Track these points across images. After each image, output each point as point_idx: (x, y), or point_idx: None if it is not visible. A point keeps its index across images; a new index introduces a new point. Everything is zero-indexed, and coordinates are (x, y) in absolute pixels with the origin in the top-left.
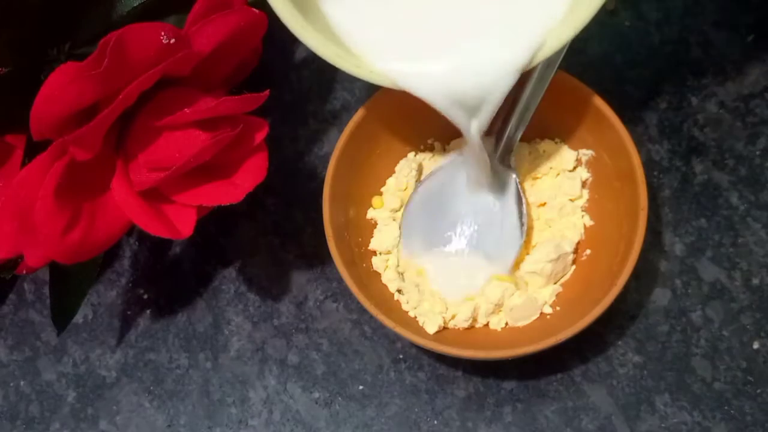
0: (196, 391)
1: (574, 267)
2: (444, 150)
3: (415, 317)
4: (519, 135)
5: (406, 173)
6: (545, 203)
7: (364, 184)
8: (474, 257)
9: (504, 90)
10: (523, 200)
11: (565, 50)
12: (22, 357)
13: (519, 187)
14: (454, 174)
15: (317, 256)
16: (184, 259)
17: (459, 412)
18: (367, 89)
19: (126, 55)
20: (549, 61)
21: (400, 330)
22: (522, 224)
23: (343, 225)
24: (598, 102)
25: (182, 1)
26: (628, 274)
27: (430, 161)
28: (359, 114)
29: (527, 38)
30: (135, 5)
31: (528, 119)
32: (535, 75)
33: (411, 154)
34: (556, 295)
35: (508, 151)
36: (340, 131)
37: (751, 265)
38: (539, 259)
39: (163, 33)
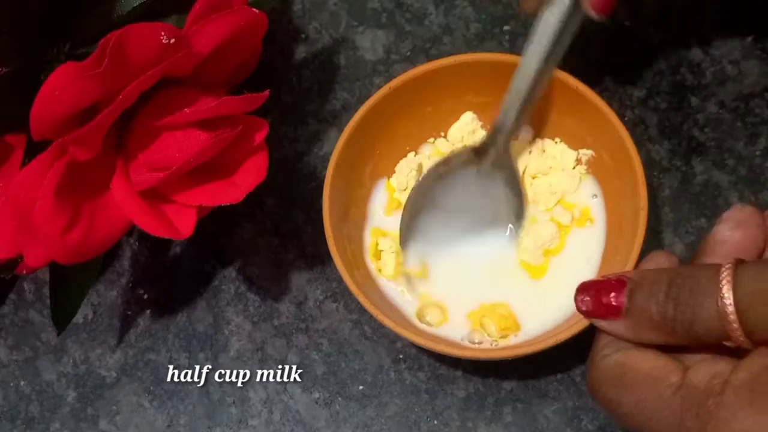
0: (196, 391)
1: None
2: (444, 149)
3: (415, 316)
4: (520, 127)
5: (406, 173)
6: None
7: (365, 184)
8: (474, 253)
9: None
10: (523, 194)
11: (569, 40)
12: (22, 357)
13: (520, 181)
14: (453, 170)
15: (317, 256)
16: (184, 259)
17: (459, 412)
18: (367, 89)
19: (126, 55)
20: (552, 53)
21: (399, 330)
22: (522, 219)
23: (343, 225)
24: (598, 102)
25: (182, 1)
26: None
27: (430, 161)
28: (359, 114)
29: None
30: (135, 5)
31: (529, 111)
32: (537, 65)
33: (411, 154)
34: None
35: (508, 144)
36: (340, 131)
37: None
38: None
39: (163, 33)
